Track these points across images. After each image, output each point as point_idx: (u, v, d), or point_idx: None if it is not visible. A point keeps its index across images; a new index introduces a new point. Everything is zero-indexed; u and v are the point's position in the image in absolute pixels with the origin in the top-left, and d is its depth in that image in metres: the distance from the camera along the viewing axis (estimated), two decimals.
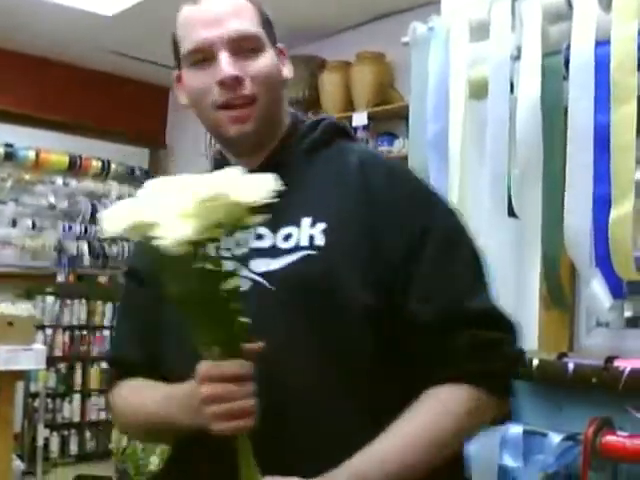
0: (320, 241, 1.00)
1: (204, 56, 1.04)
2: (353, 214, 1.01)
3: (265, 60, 1.06)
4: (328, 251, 0.99)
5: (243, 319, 0.89)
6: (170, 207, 0.80)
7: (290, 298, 0.98)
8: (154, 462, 3.97)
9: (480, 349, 0.97)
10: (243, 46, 1.04)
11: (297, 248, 1.00)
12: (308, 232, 1.01)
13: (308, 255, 0.99)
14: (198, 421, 0.91)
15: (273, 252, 1.01)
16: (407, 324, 0.98)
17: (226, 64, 1.02)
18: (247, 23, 1.05)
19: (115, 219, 0.84)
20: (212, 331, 0.89)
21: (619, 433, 1.81)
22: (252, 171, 0.98)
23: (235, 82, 1.02)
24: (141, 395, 1.08)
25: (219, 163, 1.11)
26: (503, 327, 1.01)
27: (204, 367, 0.90)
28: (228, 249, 0.95)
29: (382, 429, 0.94)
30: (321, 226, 1.00)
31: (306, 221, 1.01)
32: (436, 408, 0.96)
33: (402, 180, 1.07)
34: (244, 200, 0.81)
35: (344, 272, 0.98)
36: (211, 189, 0.80)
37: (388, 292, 0.98)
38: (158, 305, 1.04)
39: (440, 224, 1.03)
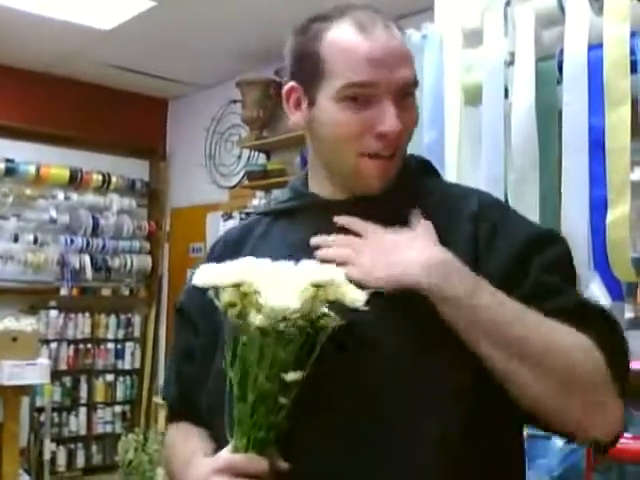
0: None
1: (361, 95, 0.95)
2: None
3: (414, 112, 1.01)
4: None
5: (284, 421, 0.86)
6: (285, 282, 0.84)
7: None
8: (160, 474, 3.97)
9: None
10: (403, 93, 0.97)
11: None
12: None
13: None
14: None
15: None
16: None
17: (394, 117, 0.94)
18: (412, 69, 0.98)
19: (220, 274, 0.86)
20: (255, 416, 0.86)
21: (624, 435, 1.81)
22: (343, 202, 1.01)
23: (396, 137, 0.96)
24: (173, 450, 1.07)
25: (298, 191, 1.09)
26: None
27: (225, 458, 0.87)
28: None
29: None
30: None
31: None
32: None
33: (512, 228, 0.98)
34: (351, 298, 0.86)
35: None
36: (325, 275, 0.85)
37: None
38: (206, 353, 1.04)
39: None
